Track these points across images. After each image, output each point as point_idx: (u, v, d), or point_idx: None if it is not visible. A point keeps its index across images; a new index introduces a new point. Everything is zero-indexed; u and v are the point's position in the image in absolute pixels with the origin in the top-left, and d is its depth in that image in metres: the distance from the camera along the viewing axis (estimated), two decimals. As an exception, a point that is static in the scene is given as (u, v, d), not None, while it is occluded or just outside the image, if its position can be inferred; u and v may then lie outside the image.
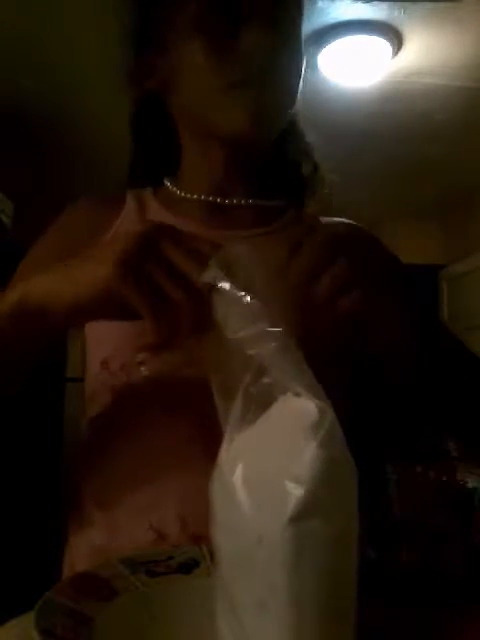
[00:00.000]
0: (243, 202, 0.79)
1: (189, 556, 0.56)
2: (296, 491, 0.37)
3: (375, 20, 2.11)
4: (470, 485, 2.82)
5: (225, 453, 0.41)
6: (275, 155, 0.82)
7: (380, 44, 2.23)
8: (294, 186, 0.87)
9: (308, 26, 2.13)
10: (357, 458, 0.44)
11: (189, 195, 0.80)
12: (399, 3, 1.99)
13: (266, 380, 0.42)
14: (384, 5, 2.01)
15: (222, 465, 0.41)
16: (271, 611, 0.37)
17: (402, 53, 2.29)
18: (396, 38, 2.20)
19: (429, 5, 2.00)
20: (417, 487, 3.09)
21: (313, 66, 2.38)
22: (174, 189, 0.82)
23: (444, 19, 2.08)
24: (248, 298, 0.45)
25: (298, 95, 0.76)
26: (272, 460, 0.39)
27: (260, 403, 0.42)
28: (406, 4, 2.00)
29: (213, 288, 0.47)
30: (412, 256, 4.48)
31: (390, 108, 2.73)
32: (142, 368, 0.69)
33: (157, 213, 0.80)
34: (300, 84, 0.76)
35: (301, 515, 0.37)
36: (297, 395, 0.41)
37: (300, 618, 0.37)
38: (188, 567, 0.55)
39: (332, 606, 0.38)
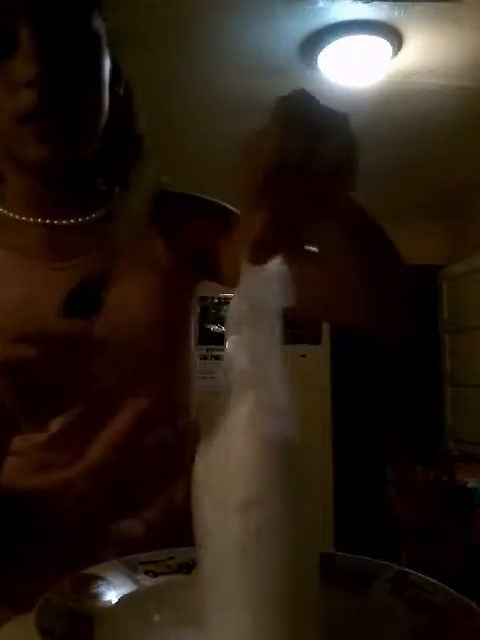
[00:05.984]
0: (78, 221, 0.74)
1: (189, 556, 0.56)
2: (240, 484, 0.39)
3: (375, 20, 2.11)
4: (470, 485, 2.82)
5: (198, 457, 0.43)
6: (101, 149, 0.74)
7: (380, 44, 2.23)
8: (122, 171, 0.81)
9: (308, 26, 2.13)
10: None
11: (16, 216, 0.74)
12: (399, 3, 1.99)
13: (233, 374, 0.42)
14: (384, 5, 2.01)
15: (195, 470, 0.43)
16: (231, 604, 0.40)
17: (402, 53, 2.29)
18: (396, 38, 2.20)
19: (429, 5, 2.00)
20: (417, 487, 3.09)
21: (313, 66, 2.38)
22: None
23: (444, 19, 2.08)
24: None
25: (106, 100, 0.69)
26: (224, 456, 0.41)
27: (230, 399, 0.43)
28: (406, 4, 2.00)
29: None
30: (412, 256, 4.47)
31: (390, 108, 2.73)
32: None
33: None
34: (105, 91, 0.69)
35: (245, 507, 0.39)
36: (251, 387, 0.41)
37: (256, 609, 0.39)
38: (188, 567, 0.55)
39: (287, 593, 0.39)
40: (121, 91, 0.76)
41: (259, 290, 0.42)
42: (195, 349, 0.82)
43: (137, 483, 0.73)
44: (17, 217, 0.73)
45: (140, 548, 0.58)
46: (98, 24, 0.68)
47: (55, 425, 0.68)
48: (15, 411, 0.52)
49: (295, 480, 0.40)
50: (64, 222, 0.74)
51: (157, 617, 0.49)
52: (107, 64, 0.70)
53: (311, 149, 0.38)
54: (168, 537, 0.60)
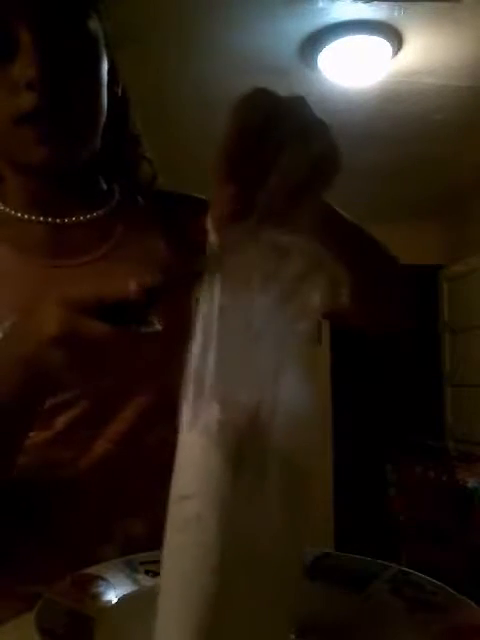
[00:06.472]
0: (80, 219, 0.75)
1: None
2: (178, 478, 0.43)
3: (375, 20, 2.11)
4: (470, 485, 2.82)
5: None
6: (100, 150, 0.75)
7: (380, 44, 2.23)
8: (120, 170, 0.82)
9: (308, 26, 2.13)
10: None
11: (18, 214, 0.74)
12: (399, 3, 1.99)
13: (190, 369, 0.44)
14: (384, 5, 2.01)
15: None
16: (168, 593, 0.42)
17: (402, 53, 2.29)
18: (396, 38, 2.20)
19: (429, 5, 2.00)
20: (417, 487, 3.09)
21: (313, 66, 2.38)
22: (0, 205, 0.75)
23: (444, 19, 2.08)
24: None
25: (104, 103, 0.70)
26: (177, 452, 0.44)
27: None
28: (406, 4, 2.00)
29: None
30: (412, 256, 4.47)
31: (390, 108, 2.73)
32: None
33: None
34: (104, 91, 0.70)
35: (179, 500, 0.42)
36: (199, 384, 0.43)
37: (186, 596, 0.41)
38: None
39: (216, 586, 0.40)
40: (119, 91, 0.77)
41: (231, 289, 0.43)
42: None
43: (139, 481, 0.73)
44: (19, 215, 0.74)
45: (142, 546, 0.58)
46: (96, 25, 0.68)
47: (60, 422, 0.68)
48: (65, 384, 0.51)
49: (230, 481, 0.41)
50: (66, 221, 0.74)
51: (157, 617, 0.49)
52: (105, 65, 0.70)
53: (265, 128, 0.42)
54: None
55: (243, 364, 0.42)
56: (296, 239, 0.44)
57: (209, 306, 0.43)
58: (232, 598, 0.40)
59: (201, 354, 0.42)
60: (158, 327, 0.48)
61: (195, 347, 0.42)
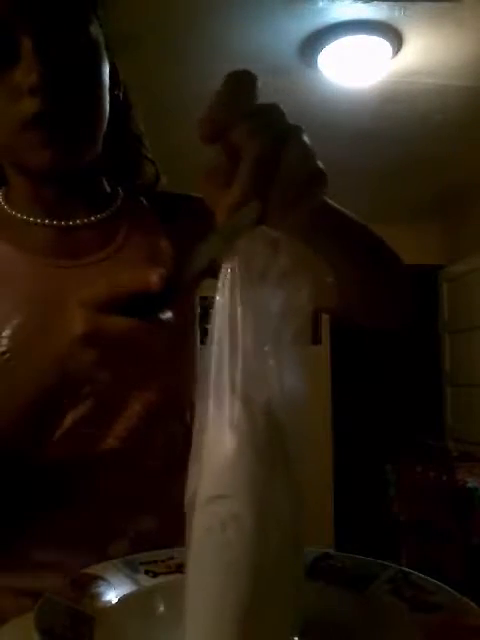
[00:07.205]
0: (84, 221, 0.75)
1: (189, 556, 0.56)
2: (209, 479, 0.41)
3: (375, 20, 2.11)
4: (470, 485, 2.82)
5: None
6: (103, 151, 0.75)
7: (380, 44, 2.23)
8: (123, 172, 0.83)
9: (308, 26, 2.13)
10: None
11: (23, 216, 0.74)
12: (399, 3, 2.00)
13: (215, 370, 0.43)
14: (384, 5, 2.01)
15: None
16: (197, 596, 0.42)
17: (402, 53, 2.29)
18: (396, 38, 2.20)
19: (429, 5, 2.00)
20: (417, 487, 3.09)
21: (313, 66, 2.38)
22: (5, 208, 0.76)
23: (444, 19, 2.08)
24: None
25: (107, 105, 0.70)
26: (201, 452, 0.43)
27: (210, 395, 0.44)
28: (406, 4, 2.00)
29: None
30: (412, 256, 4.46)
31: (390, 108, 2.73)
32: None
33: None
34: (106, 95, 0.70)
35: (211, 501, 0.41)
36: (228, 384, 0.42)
37: (219, 600, 0.41)
38: (188, 567, 0.55)
39: (251, 586, 0.40)
40: (120, 94, 0.77)
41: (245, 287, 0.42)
42: (198, 348, 0.83)
43: (148, 478, 0.73)
44: (23, 218, 0.74)
45: (153, 543, 0.58)
46: (96, 30, 0.69)
47: (68, 421, 0.69)
48: (93, 384, 0.51)
49: (264, 477, 0.41)
50: (70, 223, 0.74)
51: (157, 617, 0.49)
52: (106, 68, 0.70)
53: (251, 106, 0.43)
54: (181, 532, 0.60)
55: (257, 361, 0.42)
56: (283, 235, 0.44)
57: (226, 303, 0.42)
58: (260, 600, 0.40)
59: (221, 352, 0.42)
60: (169, 314, 0.49)
61: (215, 345, 0.42)
